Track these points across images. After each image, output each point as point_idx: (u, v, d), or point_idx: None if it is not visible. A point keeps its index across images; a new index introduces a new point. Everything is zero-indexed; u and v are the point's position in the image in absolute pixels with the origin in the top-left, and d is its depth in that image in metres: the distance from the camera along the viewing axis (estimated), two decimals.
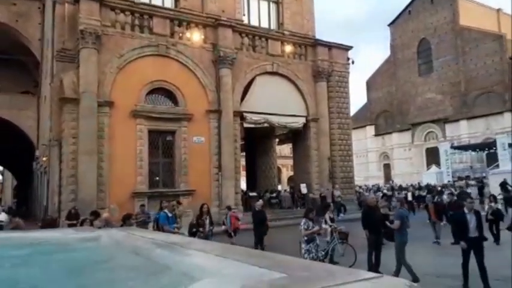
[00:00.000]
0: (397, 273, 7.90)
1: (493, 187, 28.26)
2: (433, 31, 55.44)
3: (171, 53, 19.91)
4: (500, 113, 47.99)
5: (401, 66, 59.86)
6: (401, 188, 30.12)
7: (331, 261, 9.33)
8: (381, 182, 53.88)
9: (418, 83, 57.54)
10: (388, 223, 8.66)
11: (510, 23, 54.88)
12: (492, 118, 48.76)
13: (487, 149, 43.80)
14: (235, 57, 21.30)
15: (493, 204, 12.12)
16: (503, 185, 21.29)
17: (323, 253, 9.24)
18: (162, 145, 19.88)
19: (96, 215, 10.43)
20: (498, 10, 56.79)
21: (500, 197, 17.79)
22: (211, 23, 21.06)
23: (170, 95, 20.05)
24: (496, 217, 11.52)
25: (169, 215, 11.46)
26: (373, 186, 44.24)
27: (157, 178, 19.83)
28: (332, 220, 10.91)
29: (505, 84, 47.80)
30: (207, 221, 11.83)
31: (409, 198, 24.99)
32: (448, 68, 53.81)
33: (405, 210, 9.23)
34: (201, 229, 11.35)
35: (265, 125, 22.93)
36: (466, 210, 7.84)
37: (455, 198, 15.14)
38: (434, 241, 12.59)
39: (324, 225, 10.47)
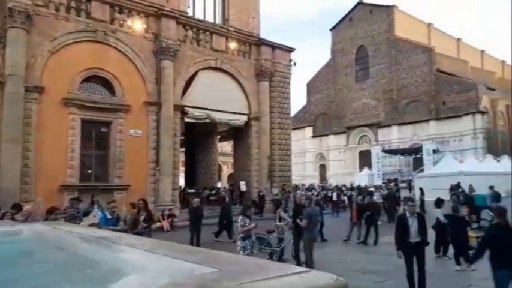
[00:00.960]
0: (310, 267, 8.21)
1: (417, 190, 30.41)
2: (371, 39, 58.45)
3: (109, 40, 18.97)
4: (427, 121, 51.87)
5: (340, 71, 62.41)
6: (338, 188, 31.36)
7: (280, 259, 9.58)
8: (316, 181, 55.79)
9: (355, 89, 60.36)
10: (298, 220, 9.00)
11: (440, 37, 59.48)
12: (419, 125, 52.55)
13: (414, 154, 47.14)
14: (178, 50, 20.83)
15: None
16: (456, 187, 22.74)
17: (278, 250, 9.53)
18: (96, 136, 18.89)
19: (18, 208, 9.60)
20: (429, 24, 61.22)
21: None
22: (154, 12, 20.40)
23: (107, 84, 19.12)
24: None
25: (109, 217, 10.56)
26: (310, 185, 45.70)
27: (89, 171, 18.82)
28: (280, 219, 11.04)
29: (431, 95, 51.71)
30: (142, 218, 11.36)
31: (334, 198, 26.07)
32: (382, 75, 57.04)
33: (314, 208, 9.53)
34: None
35: (207, 120, 22.72)
36: (407, 214, 7.47)
37: (373, 199, 15.72)
38: (358, 241, 12.71)
39: (278, 223, 10.64)
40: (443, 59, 54.67)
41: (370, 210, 13.17)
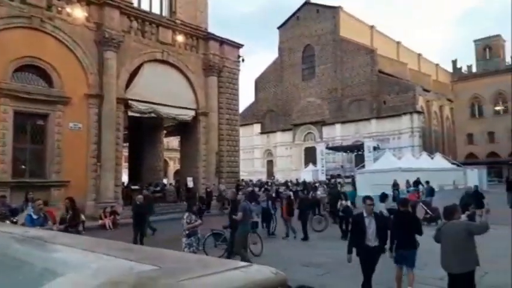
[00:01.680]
0: (243, 259, 8.40)
1: (359, 184, 31.75)
2: (317, 39, 60.06)
3: (46, 27, 17.79)
4: (368, 119, 54.36)
5: (287, 69, 63.55)
6: (285, 184, 31.88)
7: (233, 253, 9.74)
8: (264, 177, 56.49)
9: (301, 87, 61.78)
10: (233, 216, 9.17)
11: (381, 39, 62.40)
12: (361, 124, 54.96)
13: (356, 150, 49.30)
14: (122, 41, 20.03)
15: (343, 201, 12.28)
16: (416, 183, 23.66)
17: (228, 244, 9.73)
18: (31, 130, 17.67)
19: None
20: (372, 27, 64.06)
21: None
22: (96, 0, 19.44)
23: (44, 75, 17.93)
24: (347, 214, 11.63)
25: (35, 216, 9.57)
26: (258, 181, 46.15)
27: (23, 166, 17.59)
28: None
29: (373, 94, 54.24)
30: (68, 217, 10.60)
31: (274, 194, 26.40)
32: (327, 75, 58.88)
33: (249, 203, 9.80)
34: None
35: (152, 115, 22.10)
36: (364, 214, 6.41)
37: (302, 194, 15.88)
38: (284, 236, 12.70)
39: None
40: (385, 60, 57.56)
41: (310, 206, 13.52)
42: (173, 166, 53.98)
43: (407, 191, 19.04)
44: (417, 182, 23.24)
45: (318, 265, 8.39)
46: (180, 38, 22.88)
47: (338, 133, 56.99)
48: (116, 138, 19.68)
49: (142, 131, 26.96)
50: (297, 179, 39.55)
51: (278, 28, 65.62)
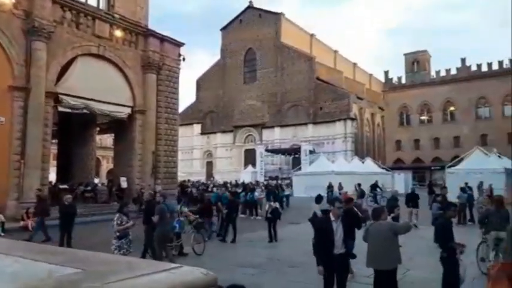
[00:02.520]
0: (159, 258, 8.44)
1: (296, 186, 32.60)
2: (259, 43, 60.88)
3: None
4: (305, 124, 56.13)
5: (229, 71, 63.69)
6: (224, 185, 31.71)
7: (180, 253, 9.70)
8: (203, 178, 55.97)
9: (243, 90, 62.24)
10: (152, 217, 9.08)
11: (320, 47, 64.72)
12: (299, 128, 56.60)
13: (294, 153, 50.71)
14: (53, 31, 18.76)
15: (272, 203, 11.93)
16: (374, 186, 24.41)
17: (178, 245, 9.69)
18: None
19: None
20: (312, 35, 66.23)
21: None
22: None
23: None
24: (274, 216, 11.58)
25: None
26: (197, 181, 45.55)
27: None
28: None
29: (310, 100, 56.11)
30: None
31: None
32: (268, 79, 59.91)
33: (168, 205, 9.74)
34: None
35: (85, 111, 20.92)
36: (332, 218, 5.69)
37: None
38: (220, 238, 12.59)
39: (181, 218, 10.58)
40: (322, 68, 59.83)
41: (237, 208, 13.65)
42: (106, 165, 51.61)
43: (339, 193, 19.86)
44: (375, 186, 24.01)
45: (255, 265, 8.48)
46: (118, 33, 21.92)
47: (277, 136, 58.16)
48: (43, 134, 18.35)
49: (74, 128, 25.45)
50: (236, 180, 39.66)
51: (221, 30, 65.57)
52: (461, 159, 28.20)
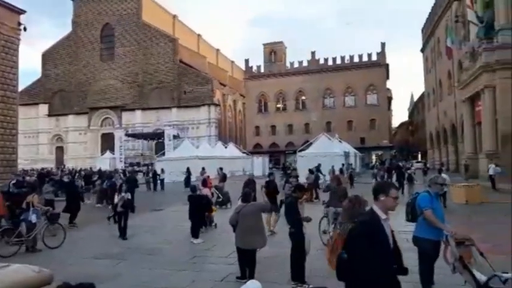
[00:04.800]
0: None
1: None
2: (118, 19, 56.82)
3: None
4: (169, 108, 55.00)
5: (83, 46, 58.01)
6: (70, 173, 28.83)
7: (33, 249, 8.50)
8: (52, 165, 50.22)
9: (100, 68, 57.50)
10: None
11: (183, 30, 63.66)
12: (163, 111, 55.15)
13: (157, 138, 49.25)
14: None
15: (124, 193, 10.02)
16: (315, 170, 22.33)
17: (29, 239, 8.44)
18: None
19: None
20: (174, 16, 64.62)
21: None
22: None
23: None
24: (127, 209, 9.88)
25: None
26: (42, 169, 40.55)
27: None
28: None
29: (174, 83, 55.09)
30: None
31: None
32: (129, 58, 56.56)
33: None
34: None
35: None
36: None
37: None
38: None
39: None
40: (186, 51, 59.16)
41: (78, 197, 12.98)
42: None
43: (204, 179, 20.05)
44: (317, 169, 21.77)
45: (113, 256, 7.96)
46: None
47: (139, 120, 55.66)
48: None
49: None
50: (91, 167, 36.65)
51: (72, 0, 59.02)
52: (310, 144, 31.35)
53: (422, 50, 51.99)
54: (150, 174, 27.34)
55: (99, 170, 31.41)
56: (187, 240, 9.08)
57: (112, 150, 48.22)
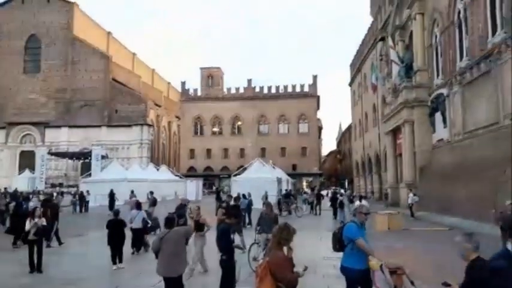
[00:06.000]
0: None
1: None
2: (46, 31, 53.77)
3: None
4: (99, 126, 52.39)
5: (4, 56, 53.79)
6: None
7: None
8: None
9: (22, 80, 53.56)
10: None
11: (117, 47, 61.89)
12: (91, 130, 52.35)
13: (83, 158, 46.36)
14: None
15: (37, 219, 8.60)
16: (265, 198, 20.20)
17: None
18: None
19: None
20: (109, 33, 62.65)
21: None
22: None
23: None
24: (40, 237, 8.66)
25: None
26: None
27: None
28: None
29: (106, 101, 52.83)
30: None
31: None
32: (56, 72, 53.41)
33: None
34: None
35: None
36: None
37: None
38: None
39: None
40: (119, 69, 57.35)
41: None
42: None
43: (136, 201, 19.17)
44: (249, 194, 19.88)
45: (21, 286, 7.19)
46: None
47: (64, 138, 52.27)
48: None
49: None
50: (5, 188, 33.44)
51: None
52: (245, 169, 31.55)
53: (350, 84, 55.47)
54: (77, 196, 25.71)
55: (15, 191, 28.80)
56: (111, 268, 8.54)
57: (32, 169, 44.52)
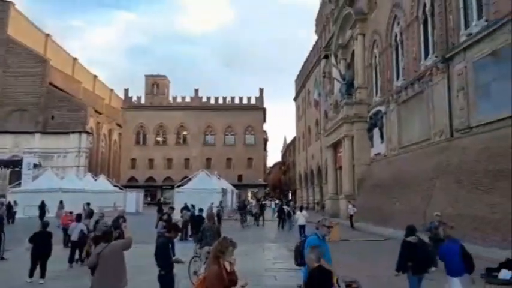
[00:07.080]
0: None
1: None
2: None
3: None
4: (32, 133, 48.95)
5: None
6: None
7: None
8: None
9: None
10: None
11: (56, 51, 58.65)
12: (23, 137, 48.69)
13: (13, 166, 43.01)
14: None
15: None
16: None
17: None
18: None
19: None
20: (47, 35, 59.24)
21: None
22: None
23: None
24: None
25: None
26: None
27: None
28: None
29: (40, 107, 49.56)
30: None
31: None
32: None
33: None
34: None
35: None
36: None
37: None
38: None
39: None
40: (58, 74, 54.25)
41: None
42: None
43: (64, 213, 18.02)
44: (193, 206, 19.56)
45: None
46: None
47: None
48: None
49: None
50: None
51: None
52: (189, 180, 30.99)
53: (295, 99, 56.98)
54: (4, 207, 23.68)
55: None
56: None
57: None
